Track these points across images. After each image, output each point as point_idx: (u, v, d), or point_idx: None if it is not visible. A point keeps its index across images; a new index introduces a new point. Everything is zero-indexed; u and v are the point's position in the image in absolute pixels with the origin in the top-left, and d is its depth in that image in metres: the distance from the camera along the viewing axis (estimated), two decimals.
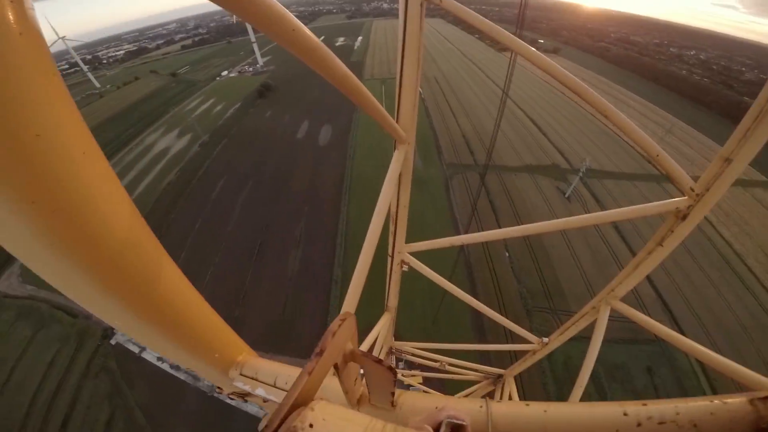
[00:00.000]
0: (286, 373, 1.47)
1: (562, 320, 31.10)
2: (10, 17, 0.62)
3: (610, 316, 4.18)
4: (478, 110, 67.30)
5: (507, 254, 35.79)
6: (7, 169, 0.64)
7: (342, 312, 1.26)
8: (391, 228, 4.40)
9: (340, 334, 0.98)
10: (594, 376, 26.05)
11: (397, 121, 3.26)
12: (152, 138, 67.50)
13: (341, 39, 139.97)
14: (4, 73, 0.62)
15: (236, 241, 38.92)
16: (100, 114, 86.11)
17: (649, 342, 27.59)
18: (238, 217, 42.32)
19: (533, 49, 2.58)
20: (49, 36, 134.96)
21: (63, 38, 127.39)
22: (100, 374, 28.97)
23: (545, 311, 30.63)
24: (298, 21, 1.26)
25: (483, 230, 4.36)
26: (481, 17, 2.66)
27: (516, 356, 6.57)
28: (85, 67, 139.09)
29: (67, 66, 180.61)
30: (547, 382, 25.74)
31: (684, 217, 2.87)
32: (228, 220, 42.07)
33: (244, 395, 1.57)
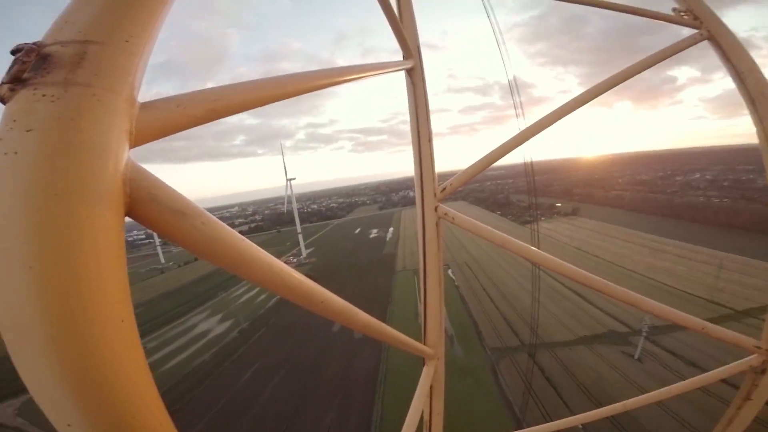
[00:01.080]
0: None
1: None
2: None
3: None
4: (515, 290, 65.74)
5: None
6: None
7: None
8: None
9: None
10: None
11: (424, 341, 3.39)
12: (197, 319, 70.63)
13: (374, 231, 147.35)
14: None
15: (260, 422, 36.10)
16: (156, 289, 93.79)
17: None
18: (265, 401, 39.34)
19: (550, 256, 2.85)
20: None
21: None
22: None
23: None
24: (327, 292, 1.46)
25: (546, 410, 3.97)
26: (493, 231, 2.90)
27: None
28: (157, 241, 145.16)
29: (144, 236, 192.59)
30: None
31: (764, 371, 2.68)
32: (255, 402, 39.37)
33: None
